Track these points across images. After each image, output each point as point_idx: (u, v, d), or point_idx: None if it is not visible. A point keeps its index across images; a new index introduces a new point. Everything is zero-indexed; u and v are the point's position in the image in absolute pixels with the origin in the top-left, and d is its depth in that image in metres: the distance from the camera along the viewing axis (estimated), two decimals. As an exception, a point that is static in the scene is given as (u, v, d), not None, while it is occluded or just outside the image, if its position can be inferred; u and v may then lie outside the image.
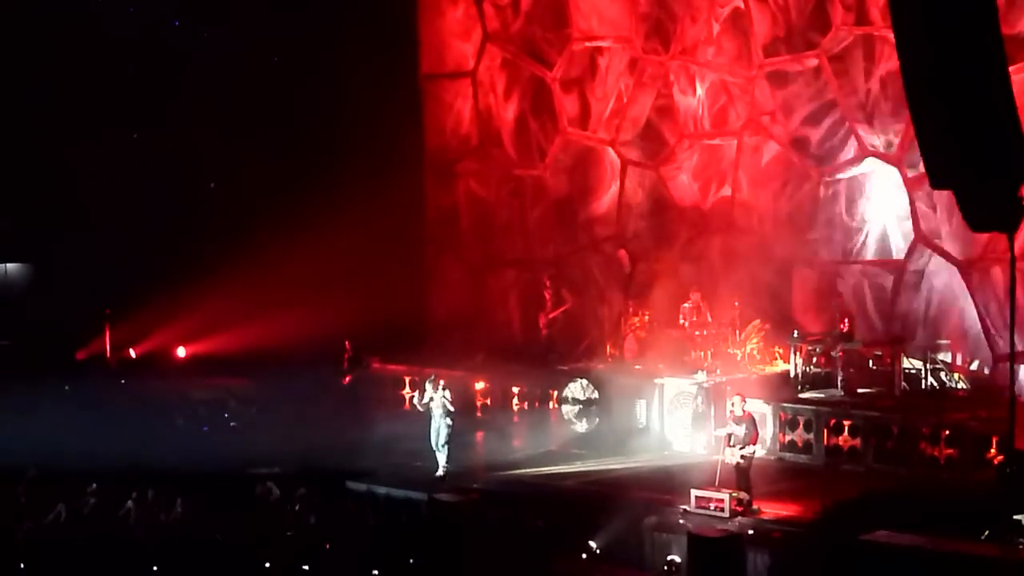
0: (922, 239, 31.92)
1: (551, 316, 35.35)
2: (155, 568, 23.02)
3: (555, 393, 32.71)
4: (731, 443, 25.70)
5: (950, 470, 27.67)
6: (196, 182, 40.33)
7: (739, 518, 24.91)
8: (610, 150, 36.59)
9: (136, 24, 39.08)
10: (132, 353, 39.02)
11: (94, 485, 27.30)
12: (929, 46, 22.63)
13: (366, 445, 30.99)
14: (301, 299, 36.61)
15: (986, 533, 23.22)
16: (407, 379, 35.49)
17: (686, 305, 32.78)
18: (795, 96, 33.83)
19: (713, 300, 33.01)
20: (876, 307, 32.97)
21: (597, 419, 31.60)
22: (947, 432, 27.96)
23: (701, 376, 30.47)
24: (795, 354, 31.12)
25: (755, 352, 32.31)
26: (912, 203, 31.91)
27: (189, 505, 26.54)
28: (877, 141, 32.56)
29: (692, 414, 30.24)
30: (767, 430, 29.17)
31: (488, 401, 34.35)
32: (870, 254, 33.36)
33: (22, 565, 23.34)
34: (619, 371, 32.40)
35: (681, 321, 32.74)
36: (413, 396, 30.09)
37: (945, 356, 31.49)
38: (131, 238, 38.51)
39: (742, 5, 33.79)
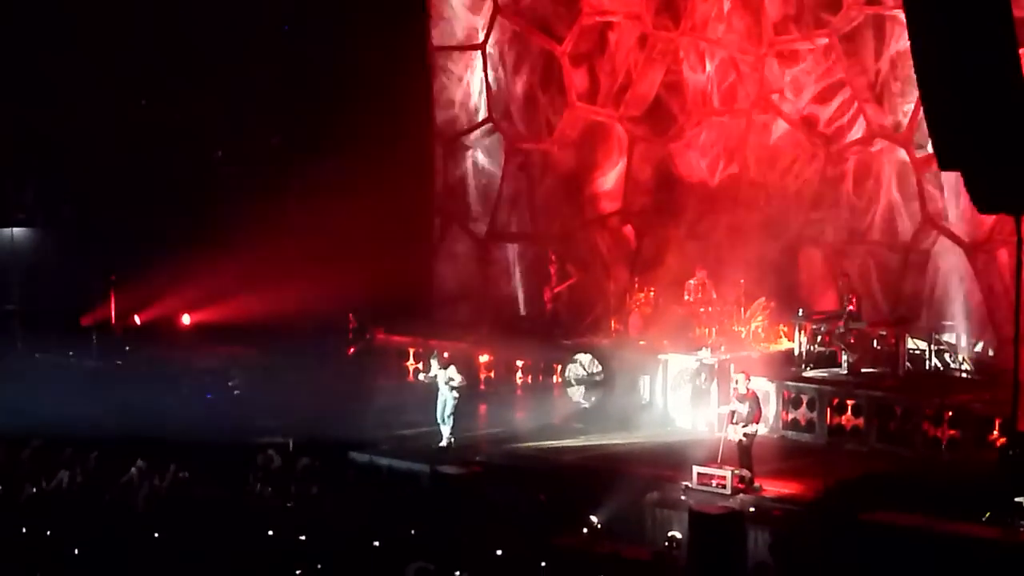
0: (929, 220, 31.91)
1: (556, 290, 35.38)
2: (156, 535, 23.04)
3: (559, 367, 32.72)
4: (734, 420, 25.72)
5: (952, 451, 27.71)
6: (203, 151, 40.26)
7: (740, 495, 24.95)
8: (618, 125, 36.54)
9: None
10: (137, 320, 39.00)
11: (100, 453, 27.36)
12: (940, 27, 22.63)
13: (369, 416, 31.02)
14: (307, 269, 36.58)
15: (987, 515, 23.26)
16: (412, 351, 35.53)
17: (691, 282, 32.78)
18: (805, 75, 33.80)
19: (719, 277, 32.98)
20: (882, 287, 32.98)
21: (600, 394, 31.60)
22: (950, 413, 27.99)
23: (705, 353, 30.46)
24: (800, 333, 31.13)
25: (760, 330, 32.31)
26: (920, 184, 31.89)
27: (191, 473, 26.56)
28: (886, 121, 32.52)
29: (692, 391, 30.26)
30: (770, 408, 29.19)
31: (492, 374, 34.38)
32: (877, 234, 33.32)
33: (24, 530, 23.37)
34: (623, 347, 32.39)
35: (686, 298, 32.74)
36: (420, 371, 30.08)
37: (949, 337, 31.51)
38: (137, 205, 38.47)
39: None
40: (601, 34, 36.89)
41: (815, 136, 33.63)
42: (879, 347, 31.18)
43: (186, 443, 27.75)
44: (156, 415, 30.30)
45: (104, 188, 38.45)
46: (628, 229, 36.77)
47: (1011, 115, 22.61)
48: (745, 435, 25.55)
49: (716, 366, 30.10)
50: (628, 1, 36.07)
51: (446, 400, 28.94)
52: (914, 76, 24.22)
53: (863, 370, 30.51)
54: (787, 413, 29.72)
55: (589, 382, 31.74)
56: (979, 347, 31.40)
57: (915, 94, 27.08)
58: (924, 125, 25.54)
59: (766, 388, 29.21)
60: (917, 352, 30.91)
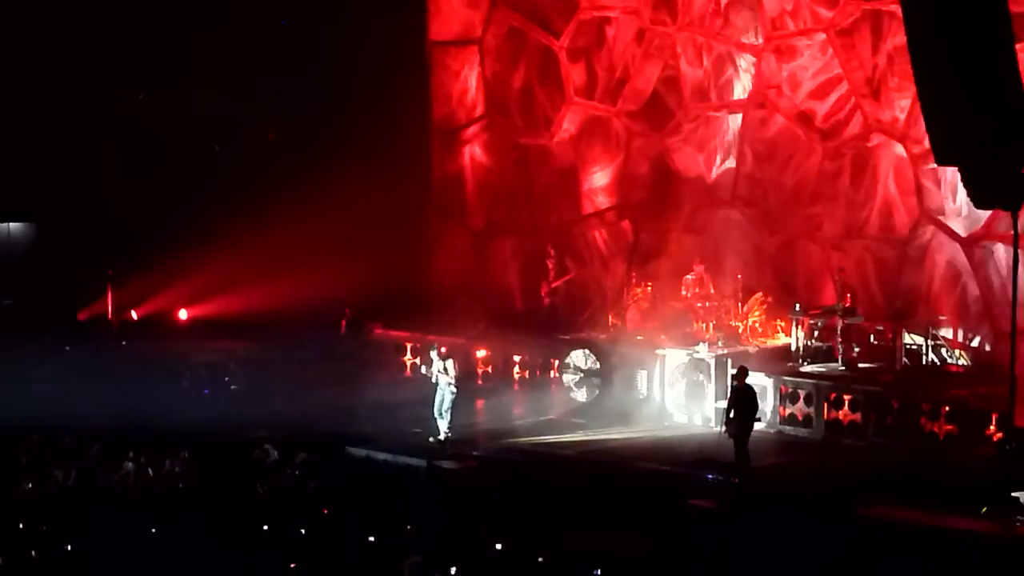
0: (926, 215, 31.92)
1: (554, 285, 35.39)
2: (152, 530, 23.02)
3: (556, 362, 32.74)
4: (730, 415, 25.74)
5: (949, 446, 27.74)
6: (200, 145, 40.22)
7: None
8: (616, 120, 36.53)
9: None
10: (134, 315, 38.99)
11: (98, 447, 27.35)
12: (937, 22, 22.65)
13: (366, 411, 31.02)
14: (304, 264, 36.60)
15: (984, 509, 23.29)
16: (409, 345, 35.55)
17: (689, 277, 32.80)
18: (802, 70, 33.79)
19: (716, 272, 33.03)
20: (879, 282, 32.98)
21: (598, 389, 31.62)
22: (947, 408, 28.04)
23: (703, 348, 30.48)
24: (797, 327, 31.14)
25: (757, 325, 32.32)
26: (917, 179, 31.89)
27: (187, 468, 26.56)
28: (883, 116, 32.52)
29: (687, 386, 30.28)
30: (767, 403, 29.22)
31: (490, 369, 34.38)
32: (874, 229, 33.32)
33: (21, 525, 23.35)
34: (621, 341, 32.40)
35: (684, 292, 32.76)
36: (417, 365, 30.07)
37: (946, 332, 31.53)
38: (134, 200, 38.42)
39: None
40: (599, 29, 36.86)
41: (812, 131, 33.61)
42: (876, 342, 31.24)
43: (182, 437, 27.74)
44: (152, 409, 30.31)
45: (101, 182, 38.38)
46: (625, 224, 36.76)
47: (1008, 110, 22.64)
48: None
49: (714, 361, 30.14)
50: (625, -4, 36.07)
51: (443, 395, 28.94)
52: (911, 71, 24.26)
53: (860, 365, 30.53)
54: (784, 408, 29.75)
55: (586, 377, 31.78)
56: (976, 342, 31.43)
57: (912, 89, 27.04)
58: (921, 120, 25.53)
59: (764, 383, 29.25)
60: (914, 347, 30.91)
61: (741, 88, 34.88)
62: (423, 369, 29.75)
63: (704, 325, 31.81)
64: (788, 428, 29.63)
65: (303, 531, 22.84)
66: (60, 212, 39.55)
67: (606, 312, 34.65)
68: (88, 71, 38.06)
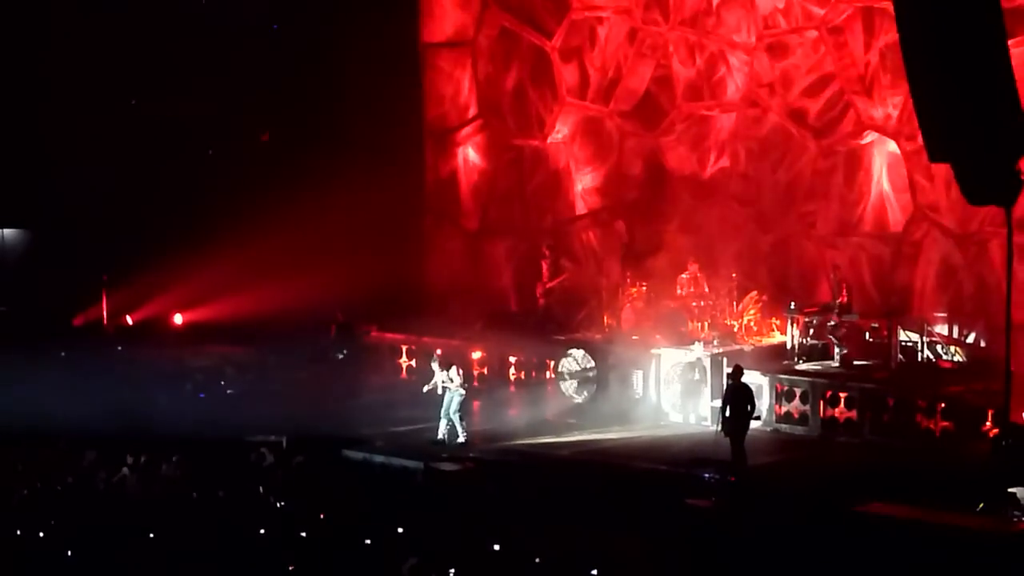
0: (920, 212, 31.93)
1: (549, 286, 35.36)
2: (151, 535, 23.01)
3: (552, 363, 32.73)
4: (726, 414, 25.76)
5: (946, 442, 27.76)
6: (194, 149, 40.19)
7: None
8: (609, 120, 36.53)
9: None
10: (129, 320, 38.98)
11: (94, 453, 27.32)
12: (929, 19, 22.65)
13: (363, 413, 31.01)
14: (298, 267, 36.53)
15: (980, 506, 23.30)
16: (405, 348, 35.54)
17: (683, 276, 32.79)
18: (794, 68, 33.80)
19: (711, 271, 33.03)
20: (873, 279, 32.99)
21: (594, 389, 31.62)
22: (943, 405, 28.06)
23: (698, 347, 30.48)
24: (792, 325, 31.16)
25: (752, 323, 32.31)
26: (910, 175, 31.91)
27: (184, 473, 26.53)
28: (876, 113, 32.53)
29: (683, 385, 30.31)
30: (763, 401, 29.22)
31: (485, 370, 34.36)
32: (868, 226, 33.33)
33: (18, 532, 23.32)
34: (616, 341, 32.41)
35: (678, 292, 32.76)
36: (424, 385, 29.96)
37: (941, 329, 31.54)
38: (128, 205, 38.41)
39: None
40: (591, 29, 36.86)
41: (805, 129, 33.62)
42: (871, 339, 31.21)
43: (178, 441, 27.72)
44: (148, 414, 30.29)
45: (95, 188, 38.35)
46: (620, 224, 36.75)
47: (1000, 107, 22.65)
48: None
49: (709, 360, 30.14)
50: (617, -4, 36.08)
51: (452, 396, 28.99)
52: (904, 68, 24.27)
53: (856, 362, 30.55)
54: (780, 406, 29.77)
55: (582, 377, 31.78)
56: (971, 338, 31.44)
57: (905, 86, 27.04)
58: (914, 117, 25.54)
59: (759, 381, 29.26)
60: (909, 344, 30.93)
61: (734, 87, 34.89)
62: (426, 387, 29.67)
63: (699, 324, 31.82)
64: (784, 426, 29.66)
65: (302, 534, 22.84)
66: (54, 218, 39.51)
67: (601, 312, 34.61)
68: (80, 77, 38.04)
